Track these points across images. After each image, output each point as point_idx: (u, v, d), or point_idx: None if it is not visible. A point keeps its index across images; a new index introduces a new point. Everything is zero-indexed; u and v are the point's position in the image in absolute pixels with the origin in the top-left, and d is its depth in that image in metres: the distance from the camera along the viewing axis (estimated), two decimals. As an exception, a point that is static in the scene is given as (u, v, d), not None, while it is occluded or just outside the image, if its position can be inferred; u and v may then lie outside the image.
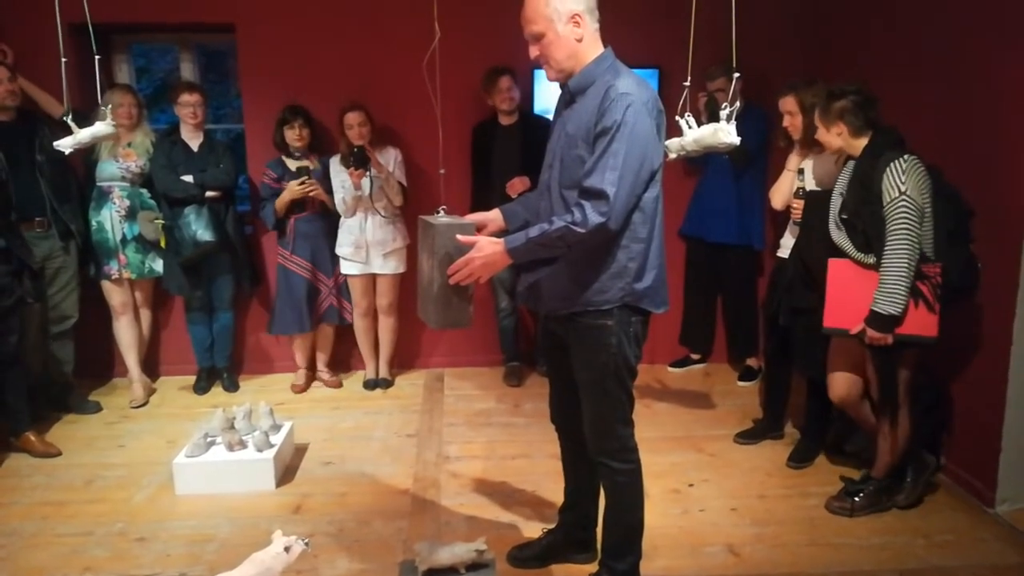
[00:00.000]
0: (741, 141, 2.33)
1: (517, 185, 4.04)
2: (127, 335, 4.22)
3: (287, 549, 2.01)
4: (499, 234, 2.30)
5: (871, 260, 2.78)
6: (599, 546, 2.49)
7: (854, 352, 2.95)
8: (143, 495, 3.19)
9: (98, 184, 4.03)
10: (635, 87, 2.06)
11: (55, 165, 3.78)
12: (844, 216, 2.87)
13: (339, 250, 4.24)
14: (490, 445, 3.65)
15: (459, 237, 2.16)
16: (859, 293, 2.79)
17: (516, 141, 4.17)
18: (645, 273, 2.17)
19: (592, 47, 2.15)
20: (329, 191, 4.16)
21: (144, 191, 4.09)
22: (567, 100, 2.23)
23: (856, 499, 2.96)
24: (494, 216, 2.42)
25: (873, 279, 2.75)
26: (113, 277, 4.09)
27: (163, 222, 4.03)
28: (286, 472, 3.36)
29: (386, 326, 4.46)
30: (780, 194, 3.48)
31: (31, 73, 3.90)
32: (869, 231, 2.76)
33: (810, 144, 3.24)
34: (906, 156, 2.69)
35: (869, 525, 2.90)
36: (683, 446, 3.61)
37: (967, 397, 3.14)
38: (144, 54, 7.41)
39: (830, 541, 2.80)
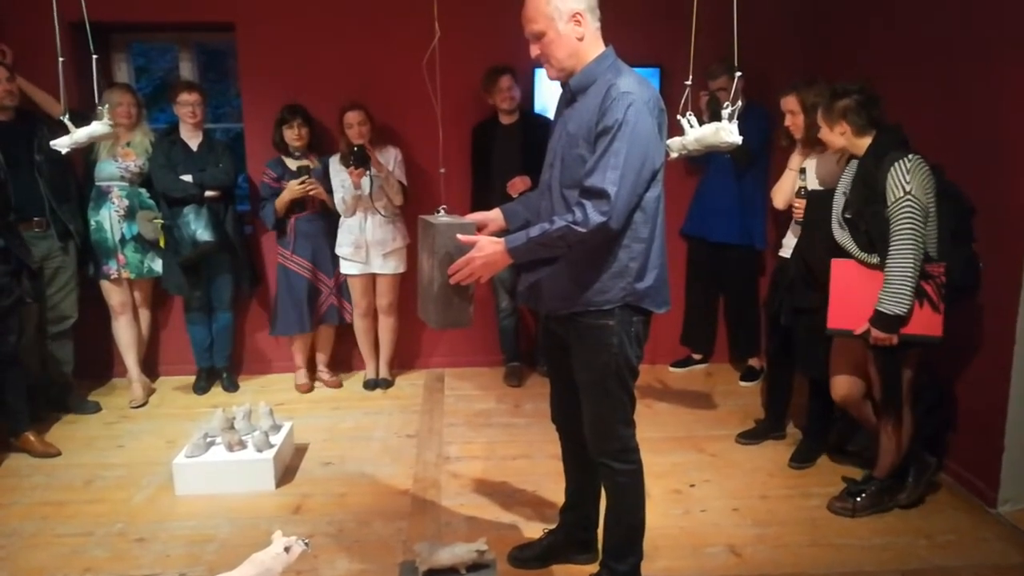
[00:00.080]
0: (743, 140, 2.32)
1: (518, 184, 4.03)
2: (126, 335, 4.21)
3: (287, 549, 2.00)
4: (500, 234, 2.29)
5: (874, 260, 2.77)
6: (600, 546, 2.48)
7: (856, 352, 2.94)
8: (143, 495, 3.19)
9: (97, 184, 4.02)
10: (636, 86, 2.05)
11: (54, 165, 3.77)
12: (847, 215, 2.86)
13: (339, 250, 4.24)
14: (490, 445, 3.65)
15: (459, 237, 2.15)
16: (863, 293, 2.78)
17: (517, 140, 4.16)
18: (646, 273, 2.16)
19: (593, 46, 2.14)
20: (329, 190, 4.15)
21: (143, 191, 4.09)
22: (568, 99, 2.22)
23: (858, 499, 2.95)
24: (494, 216, 2.41)
25: (877, 279, 2.74)
26: (112, 277, 4.08)
27: (162, 222, 4.02)
28: (286, 472, 3.35)
29: (386, 326, 4.45)
30: (782, 194, 3.47)
31: (30, 73, 3.89)
32: (872, 231, 2.76)
33: (812, 143, 3.23)
34: (910, 156, 2.69)
35: (871, 525, 2.89)
36: (684, 446, 3.60)
37: (969, 397, 3.13)
38: (143, 53, 7.41)
39: (832, 542, 2.80)
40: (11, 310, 3.44)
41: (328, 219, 4.25)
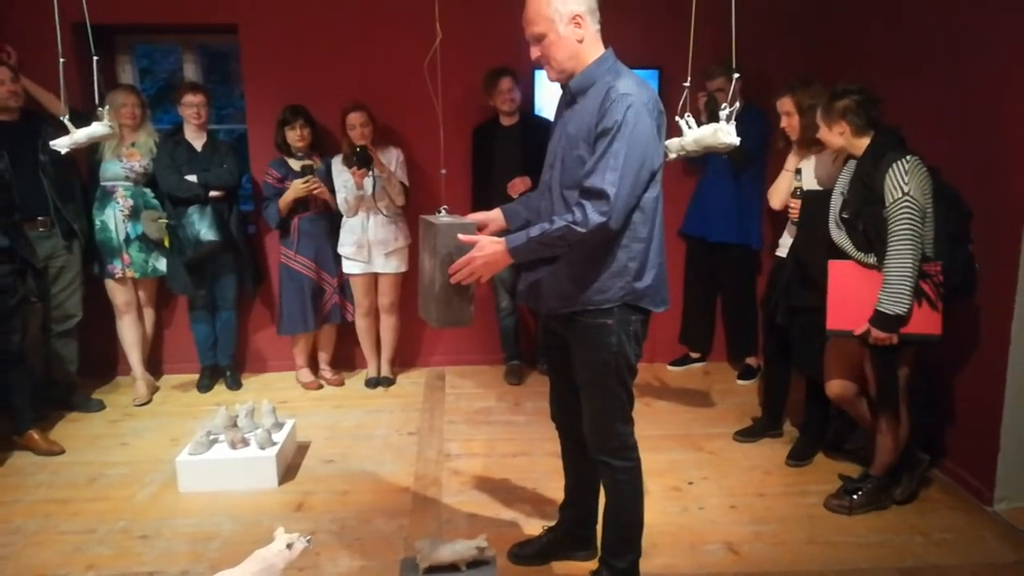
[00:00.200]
0: (741, 141, 2.34)
1: (518, 185, 4.05)
2: (130, 334, 4.23)
3: (289, 546, 2.02)
4: (500, 234, 2.31)
5: (871, 260, 2.79)
6: (599, 544, 2.50)
7: (850, 350, 2.96)
8: (146, 493, 3.21)
9: (102, 184, 4.05)
10: (636, 88, 2.07)
11: (58, 165, 3.80)
12: (845, 215, 2.88)
13: (341, 249, 4.26)
14: (491, 443, 3.67)
15: (460, 236, 2.17)
16: (861, 294, 2.80)
17: (517, 142, 4.18)
18: (645, 272, 2.18)
19: (593, 48, 2.16)
20: (332, 191, 4.18)
21: (148, 191, 4.11)
22: (568, 100, 2.24)
23: (855, 497, 2.97)
24: (495, 216, 2.43)
25: (875, 280, 2.76)
26: (117, 276, 4.10)
27: (167, 221, 4.04)
28: (288, 470, 3.38)
29: (388, 325, 4.48)
30: (778, 194, 3.49)
31: (34, 73, 3.91)
32: (870, 231, 2.77)
33: (808, 144, 3.25)
34: (908, 157, 2.70)
35: (868, 523, 2.91)
36: (683, 444, 3.62)
37: (966, 396, 3.15)
38: (147, 55, 7.43)
39: (829, 539, 2.82)
40: (16, 309, 3.46)
41: (330, 219, 4.28)
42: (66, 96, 2.80)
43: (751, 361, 4.51)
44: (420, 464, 3.46)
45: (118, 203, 4.03)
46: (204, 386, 4.40)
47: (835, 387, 3.07)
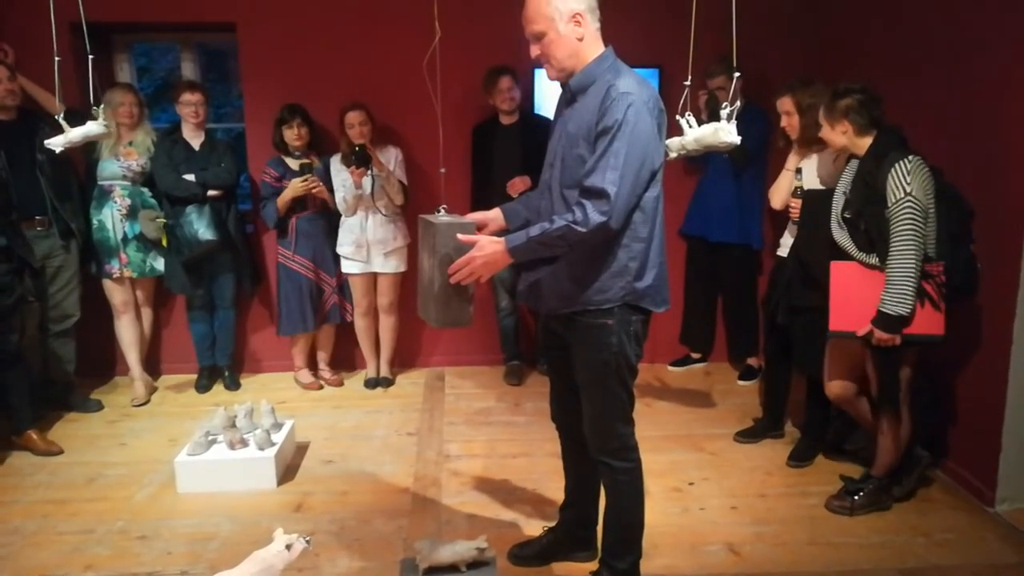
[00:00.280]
0: (741, 140, 2.33)
1: (518, 184, 4.04)
2: (128, 334, 4.22)
3: (288, 547, 2.01)
4: (500, 233, 2.30)
5: (873, 260, 2.78)
6: (599, 544, 2.49)
7: (851, 350, 2.95)
8: (144, 493, 3.20)
9: (99, 183, 4.04)
10: (636, 86, 2.06)
11: (56, 164, 3.79)
12: (847, 215, 2.87)
13: (340, 249, 4.25)
14: (491, 444, 3.66)
15: (460, 236, 2.16)
16: (863, 294, 2.79)
17: (516, 141, 4.17)
18: (646, 272, 2.17)
19: (593, 46, 2.15)
20: (330, 190, 4.16)
21: (145, 190, 4.10)
22: (568, 99, 2.23)
23: (856, 498, 2.96)
24: (495, 215, 2.42)
25: (877, 280, 2.75)
26: (114, 276, 4.09)
27: (164, 221, 4.03)
28: (287, 470, 3.37)
29: (387, 325, 4.47)
30: (779, 194, 3.48)
31: (31, 72, 3.90)
32: (872, 231, 2.77)
33: (808, 144, 3.25)
34: (911, 157, 2.70)
35: (869, 524, 2.91)
36: (683, 445, 3.61)
37: (967, 396, 3.14)
38: (145, 53, 7.42)
39: (830, 540, 2.81)
40: (13, 309, 3.45)
41: (329, 219, 4.27)
42: (61, 95, 2.79)
43: (752, 361, 4.50)
44: (420, 465, 3.45)
45: (116, 202, 4.02)
46: (202, 386, 4.39)
47: (835, 387, 3.06)
